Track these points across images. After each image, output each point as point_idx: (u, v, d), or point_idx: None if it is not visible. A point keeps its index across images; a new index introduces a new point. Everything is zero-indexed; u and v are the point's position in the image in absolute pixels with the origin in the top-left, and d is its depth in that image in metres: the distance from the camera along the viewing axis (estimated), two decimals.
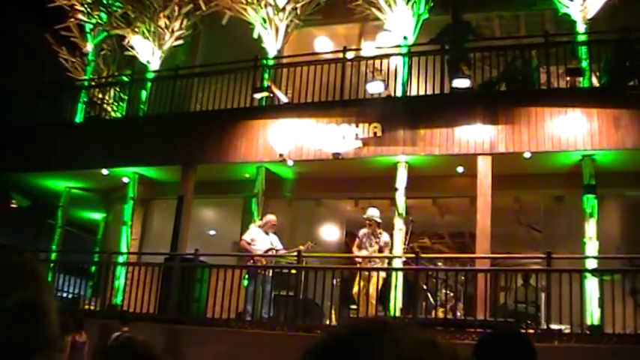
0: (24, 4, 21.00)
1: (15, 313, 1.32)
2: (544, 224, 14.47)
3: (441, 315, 12.46)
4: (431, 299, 12.74)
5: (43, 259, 15.12)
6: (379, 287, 12.18)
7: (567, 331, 10.42)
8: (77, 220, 19.58)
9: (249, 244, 12.78)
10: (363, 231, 12.75)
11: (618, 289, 10.61)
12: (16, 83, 18.21)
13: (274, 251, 12.85)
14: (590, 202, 12.04)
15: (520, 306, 11.70)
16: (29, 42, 19.61)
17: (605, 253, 11.78)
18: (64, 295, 15.94)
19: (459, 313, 12.28)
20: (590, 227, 11.91)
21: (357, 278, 12.39)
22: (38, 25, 18.41)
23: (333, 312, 12.74)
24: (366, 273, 12.33)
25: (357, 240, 12.79)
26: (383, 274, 12.47)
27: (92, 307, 14.82)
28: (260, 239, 12.84)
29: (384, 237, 12.53)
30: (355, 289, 12.26)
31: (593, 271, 11.41)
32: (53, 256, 15.95)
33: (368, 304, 11.87)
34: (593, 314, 11.18)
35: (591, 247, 11.77)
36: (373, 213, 12.65)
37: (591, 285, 11.29)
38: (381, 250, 12.45)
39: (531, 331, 10.62)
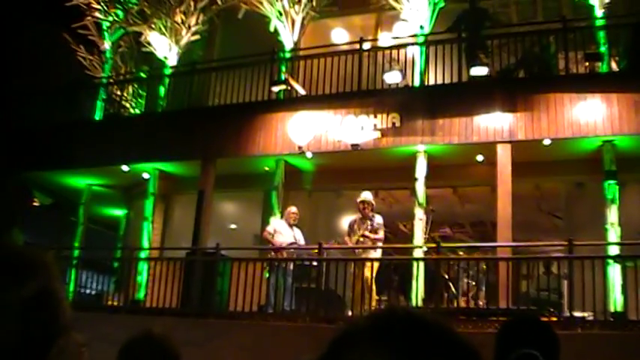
0: (41, 4, 21.15)
1: (34, 301, 1.40)
2: (565, 211, 14.38)
3: (463, 304, 12.44)
4: (453, 288, 12.72)
5: (65, 257, 15.25)
6: (373, 271, 12.12)
7: (590, 318, 10.37)
8: (99, 217, 19.72)
9: (272, 235, 12.83)
10: (353, 218, 12.74)
11: None
12: (36, 82, 18.35)
13: (296, 246, 12.90)
14: (611, 187, 11.95)
15: (542, 294, 11.65)
16: (47, 41, 19.74)
17: (628, 239, 11.67)
18: (87, 291, 16.10)
19: (480, 302, 12.25)
20: (612, 213, 11.82)
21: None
22: (56, 24, 18.53)
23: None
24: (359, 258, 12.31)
25: (348, 229, 12.74)
26: (377, 255, 12.45)
27: (115, 303, 14.96)
28: (283, 231, 12.88)
29: (378, 219, 12.46)
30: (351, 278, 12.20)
31: (615, 258, 11.33)
32: (76, 253, 16.06)
33: (364, 288, 11.81)
34: (616, 301, 11.12)
35: (613, 233, 11.69)
36: (368, 195, 12.63)
37: (614, 271, 11.21)
38: (376, 233, 12.40)
39: (554, 318, 10.58)
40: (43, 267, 1.47)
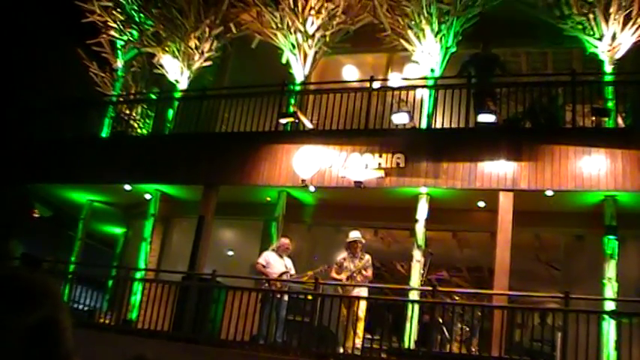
0: (58, 19, 21.35)
1: (37, 329, 1.41)
2: (563, 263, 14.39)
3: (455, 349, 12.39)
4: (446, 333, 12.67)
5: (61, 270, 15.22)
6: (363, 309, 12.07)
7: None
8: (97, 233, 19.74)
9: (264, 267, 12.84)
10: (342, 255, 12.72)
11: (636, 332, 10.52)
12: (45, 95, 18.45)
13: (288, 275, 12.87)
14: (610, 242, 11.97)
15: (536, 344, 11.61)
16: (61, 55, 19.90)
17: (624, 294, 11.68)
18: (80, 307, 16.03)
19: (473, 349, 12.20)
20: (610, 268, 11.83)
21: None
22: (70, 39, 18.68)
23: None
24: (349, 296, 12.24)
25: (335, 266, 12.67)
26: (365, 293, 12.40)
27: (107, 321, 14.89)
28: (274, 262, 12.88)
29: (367, 258, 12.46)
30: (344, 314, 12.13)
31: (611, 313, 11.31)
32: (71, 267, 16.01)
33: (356, 329, 11.74)
34: (609, 356, 11.08)
35: (610, 288, 11.69)
36: (358, 235, 12.63)
37: (609, 327, 11.20)
38: (365, 271, 12.35)
39: None
40: (49, 296, 1.49)
